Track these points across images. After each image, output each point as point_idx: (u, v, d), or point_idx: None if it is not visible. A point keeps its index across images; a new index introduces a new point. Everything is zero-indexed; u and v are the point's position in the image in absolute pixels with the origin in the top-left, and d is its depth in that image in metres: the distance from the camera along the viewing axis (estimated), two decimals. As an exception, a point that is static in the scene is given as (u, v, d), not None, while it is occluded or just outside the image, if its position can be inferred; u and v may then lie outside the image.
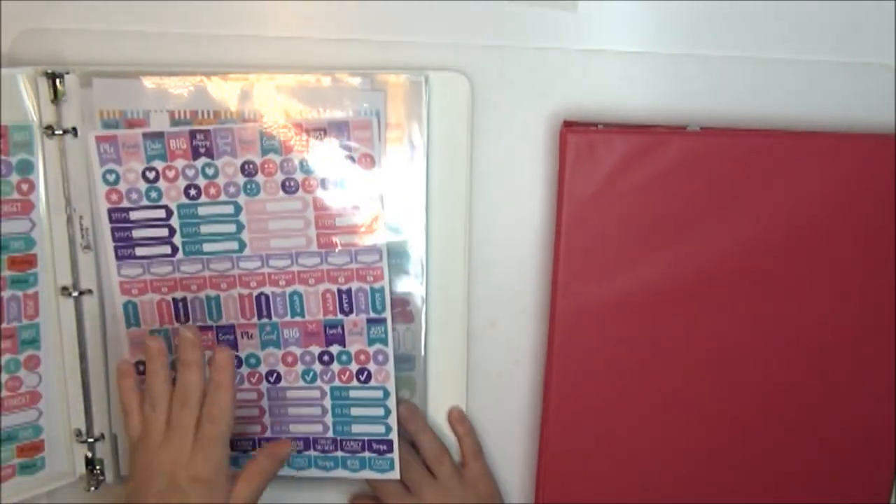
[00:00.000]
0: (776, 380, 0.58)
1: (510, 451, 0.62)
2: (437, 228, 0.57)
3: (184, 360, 0.53)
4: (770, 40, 0.56)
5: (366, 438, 0.59)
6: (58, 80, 0.54)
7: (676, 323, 0.57)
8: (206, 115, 0.55)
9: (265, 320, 0.57)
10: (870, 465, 0.59)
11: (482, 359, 0.60)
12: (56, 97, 0.54)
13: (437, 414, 0.61)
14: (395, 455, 0.59)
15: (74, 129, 0.55)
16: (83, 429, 0.59)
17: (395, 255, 0.57)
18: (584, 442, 0.59)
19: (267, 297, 0.57)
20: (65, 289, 0.57)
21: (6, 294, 0.55)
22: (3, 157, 0.54)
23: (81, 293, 0.57)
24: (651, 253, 0.56)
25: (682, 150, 0.54)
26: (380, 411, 0.58)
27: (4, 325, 0.55)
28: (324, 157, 0.55)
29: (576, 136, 0.54)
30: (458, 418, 0.60)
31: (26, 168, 0.55)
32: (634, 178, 0.55)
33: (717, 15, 0.56)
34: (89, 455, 0.59)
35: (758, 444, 0.59)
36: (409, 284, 0.58)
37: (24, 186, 0.55)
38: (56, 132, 0.55)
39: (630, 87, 0.57)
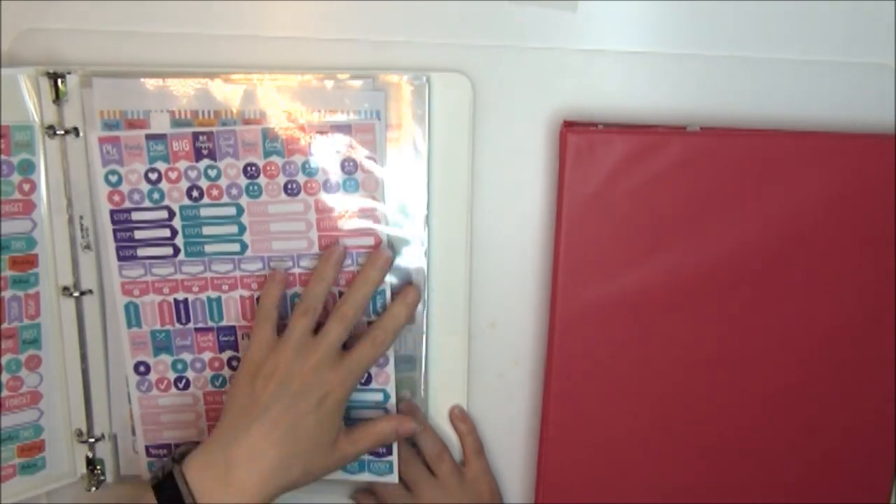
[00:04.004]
0: (776, 379, 0.58)
1: (510, 451, 0.62)
2: (437, 228, 0.57)
3: (365, 276, 0.53)
4: (770, 40, 0.56)
5: None
6: (59, 81, 0.54)
7: (676, 323, 0.57)
8: (206, 116, 0.55)
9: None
10: (870, 465, 0.59)
11: (482, 359, 0.60)
12: (57, 97, 0.54)
13: (438, 414, 0.61)
14: (395, 458, 0.59)
15: (76, 130, 0.55)
16: (84, 429, 0.59)
17: (396, 256, 0.57)
18: (584, 442, 0.59)
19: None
20: (66, 289, 0.57)
21: (7, 294, 0.55)
22: (4, 158, 0.54)
23: (82, 293, 0.57)
24: (651, 253, 0.56)
25: (682, 150, 0.54)
26: (380, 414, 0.58)
27: (5, 326, 0.55)
28: (326, 159, 0.55)
29: (576, 136, 0.54)
30: (460, 416, 0.60)
31: (28, 168, 0.55)
32: (634, 178, 0.55)
33: (717, 15, 0.56)
34: (90, 455, 0.60)
35: (757, 443, 0.59)
36: (409, 285, 0.58)
37: (26, 186, 0.55)
38: (57, 132, 0.55)
39: (630, 87, 0.57)
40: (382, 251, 0.55)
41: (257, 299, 0.56)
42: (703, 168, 0.55)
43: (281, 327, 0.54)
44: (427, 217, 0.57)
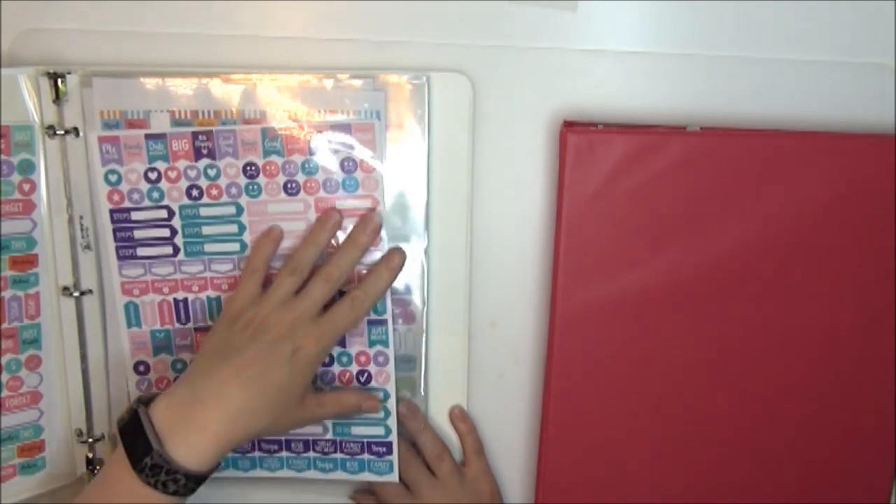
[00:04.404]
0: (776, 379, 0.58)
1: (510, 451, 0.62)
2: (437, 228, 0.57)
3: (354, 238, 0.54)
4: (770, 40, 0.56)
5: (365, 440, 0.59)
6: (59, 81, 0.54)
7: (676, 323, 0.57)
8: (206, 116, 0.55)
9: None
10: (870, 465, 0.59)
11: (482, 359, 0.60)
12: (58, 97, 0.54)
13: (438, 414, 0.61)
14: (395, 457, 0.59)
15: (76, 130, 0.55)
16: (84, 429, 0.59)
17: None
18: (584, 442, 0.59)
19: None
20: (66, 289, 0.57)
21: (7, 294, 0.55)
22: (4, 158, 0.54)
23: (82, 293, 0.57)
24: (651, 253, 0.56)
25: (682, 150, 0.54)
26: (379, 413, 0.58)
27: (5, 325, 0.55)
28: (326, 158, 0.55)
29: (576, 136, 0.54)
30: (460, 416, 0.60)
31: (28, 168, 0.55)
32: (634, 178, 0.55)
33: (717, 15, 0.56)
34: (90, 455, 0.60)
35: (757, 443, 0.59)
36: (410, 285, 0.58)
37: (26, 186, 0.55)
38: (57, 132, 0.55)
39: (630, 87, 0.57)
40: (373, 216, 0.55)
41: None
42: (703, 168, 0.55)
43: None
44: (427, 217, 0.57)
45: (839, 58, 0.56)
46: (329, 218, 0.55)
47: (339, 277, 0.53)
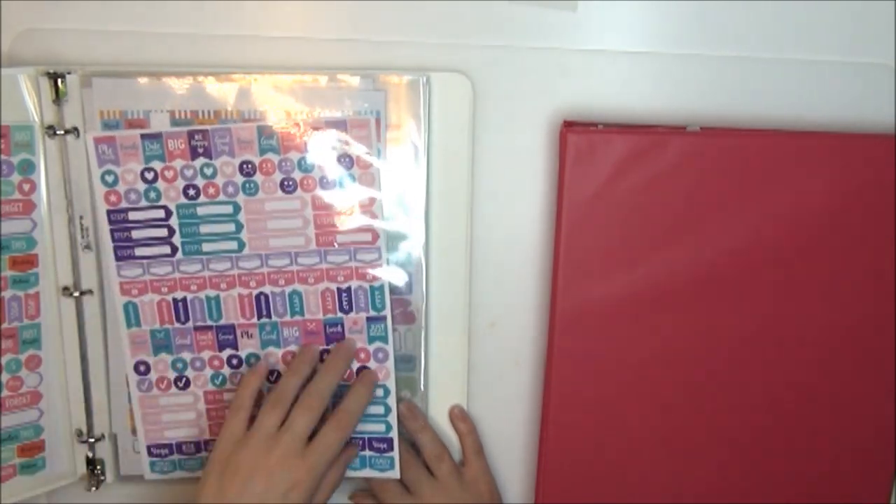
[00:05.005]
0: (775, 379, 0.58)
1: (510, 451, 0.62)
2: (437, 228, 0.57)
3: (331, 364, 0.55)
4: (770, 40, 0.56)
5: (366, 437, 0.59)
6: (59, 81, 0.54)
7: (676, 323, 0.57)
8: (206, 115, 0.55)
9: (265, 320, 0.57)
10: (870, 465, 0.59)
11: (482, 359, 0.60)
12: (58, 97, 0.54)
13: (438, 414, 0.61)
14: (396, 454, 0.59)
15: (76, 130, 0.55)
16: (84, 429, 0.59)
17: (396, 256, 0.57)
18: (584, 442, 0.59)
19: (266, 297, 0.57)
20: (66, 289, 0.57)
21: (7, 294, 0.55)
22: (4, 158, 0.54)
23: (82, 293, 0.57)
24: (651, 253, 0.56)
25: (682, 150, 0.54)
26: (380, 409, 0.58)
27: (5, 325, 0.55)
28: (322, 156, 0.55)
29: (576, 136, 0.54)
30: (460, 416, 0.60)
31: (28, 168, 0.55)
32: (634, 179, 0.55)
33: (717, 15, 0.56)
34: (90, 455, 0.60)
35: (757, 443, 0.59)
36: (410, 285, 0.58)
37: (26, 186, 0.55)
38: (57, 132, 0.55)
39: (630, 87, 0.57)
40: (347, 342, 0.57)
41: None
42: (703, 168, 0.55)
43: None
44: (427, 217, 0.57)
45: (839, 58, 0.56)
46: (309, 350, 0.57)
47: (319, 407, 0.53)
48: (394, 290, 0.57)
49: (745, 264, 0.56)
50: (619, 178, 0.55)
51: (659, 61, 0.56)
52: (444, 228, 0.58)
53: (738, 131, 0.56)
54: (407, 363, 0.59)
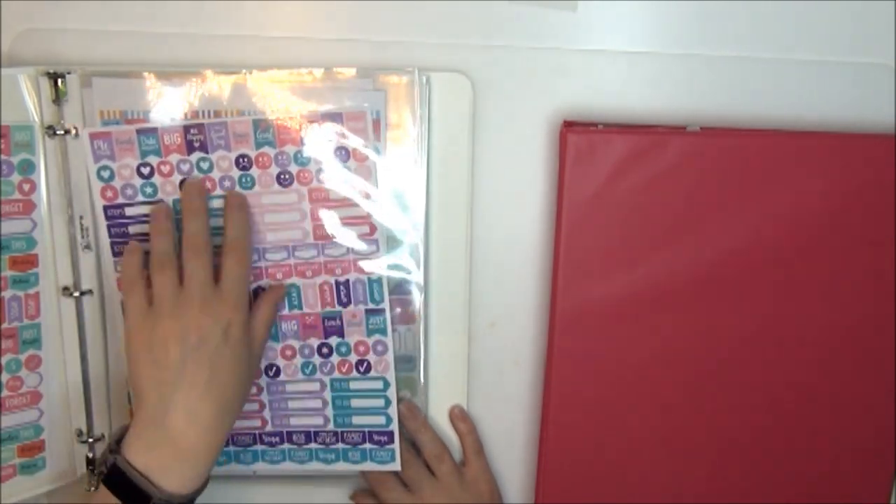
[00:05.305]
0: (776, 379, 0.58)
1: (510, 451, 0.62)
2: (437, 228, 0.57)
3: (188, 208, 0.53)
4: (770, 40, 0.56)
5: (366, 430, 0.59)
6: (59, 80, 0.54)
7: (676, 323, 0.57)
8: (206, 115, 0.55)
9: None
10: (870, 465, 0.59)
11: (482, 359, 0.60)
12: (57, 97, 0.54)
13: (438, 414, 0.61)
14: (396, 446, 0.59)
15: (76, 129, 0.55)
16: (84, 429, 0.59)
17: (396, 256, 0.57)
18: (584, 442, 0.59)
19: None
20: (66, 289, 0.57)
21: (7, 294, 0.55)
22: (4, 158, 0.54)
23: (82, 293, 0.57)
24: (651, 253, 0.56)
25: (682, 150, 0.54)
26: (380, 402, 0.58)
27: (6, 325, 0.55)
28: (318, 149, 0.55)
29: (576, 136, 0.54)
30: (460, 416, 0.60)
31: (28, 168, 0.55)
32: (634, 178, 0.55)
33: (717, 15, 0.56)
34: (90, 455, 0.60)
35: (757, 443, 0.59)
36: (410, 284, 0.58)
37: (26, 186, 0.55)
38: (57, 132, 0.55)
39: (630, 87, 0.57)
40: (191, 180, 0.54)
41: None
42: (703, 168, 0.55)
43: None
44: (427, 217, 0.57)
45: (839, 58, 0.56)
46: (160, 209, 0.54)
47: (203, 245, 0.52)
48: (394, 289, 0.57)
49: (745, 264, 0.56)
50: (619, 178, 0.55)
51: (659, 61, 0.56)
52: (444, 228, 0.58)
53: (738, 131, 0.56)
54: (407, 363, 0.59)
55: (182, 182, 0.55)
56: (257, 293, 0.56)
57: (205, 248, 0.52)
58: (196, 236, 0.52)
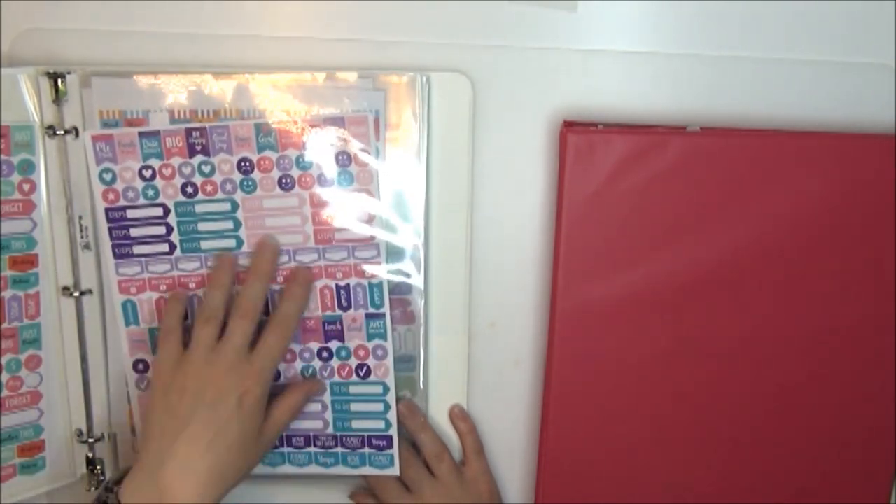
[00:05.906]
0: (776, 379, 0.58)
1: (510, 451, 0.62)
2: (437, 228, 0.57)
3: (257, 268, 0.54)
4: (770, 40, 0.56)
5: (366, 434, 0.59)
6: (59, 81, 0.54)
7: (676, 322, 0.57)
8: (206, 115, 0.55)
9: (264, 317, 0.57)
10: (870, 465, 0.59)
11: (482, 359, 0.60)
12: (57, 97, 0.54)
13: (438, 413, 0.61)
14: (395, 451, 0.59)
15: (76, 130, 0.55)
16: (84, 429, 0.59)
17: (396, 256, 0.57)
18: (584, 442, 0.59)
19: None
20: (66, 289, 0.57)
21: (7, 294, 0.55)
22: (4, 158, 0.54)
23: (82, 293, 0.57)
24: (651, 253, 0.56)
25: (682, 150, 0.54)
26: (379, 407, 0.58)
27: (5, 325, 0.55)
28: (320, 152, 0.55)
29: (576, 136, 0.54)
30: (460, 416, 0.60)
31: (28, 168, 0.55)
32: (634, 178, 0.55)
33: (717, 15, 0.56)
34: (90, 455, 0.60)
35: (758, 443, 0.59)
36: (410, 285, 0.58)
37: (26, 186, 0.55)
38: (57, 132, 0.55)
39: (630, 87, 0.57)
40: (268, 241, 0.55)
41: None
42: (703, 168, 0.55)
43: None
44: (426, 217, 0.57)
45: (839, 58, 0.56)
46: (224, 261, 0.55)
47: (254, 310, 0.53)
48: (393, 289, 0.57)
49: (744, 264, 0.56)
50: (619, 178, 0.55)
51: (659, 61, 0.56)
52: (444, 228, 0.58)
53: (738, 131, 0.56)
54: (407, 363, 0.59)
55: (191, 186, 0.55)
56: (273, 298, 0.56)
57: (254, 315, 0.53)
58: (251, 301, 0.53)
